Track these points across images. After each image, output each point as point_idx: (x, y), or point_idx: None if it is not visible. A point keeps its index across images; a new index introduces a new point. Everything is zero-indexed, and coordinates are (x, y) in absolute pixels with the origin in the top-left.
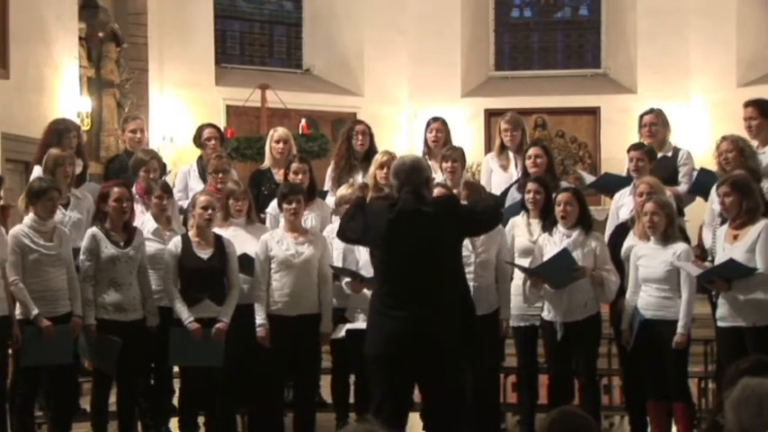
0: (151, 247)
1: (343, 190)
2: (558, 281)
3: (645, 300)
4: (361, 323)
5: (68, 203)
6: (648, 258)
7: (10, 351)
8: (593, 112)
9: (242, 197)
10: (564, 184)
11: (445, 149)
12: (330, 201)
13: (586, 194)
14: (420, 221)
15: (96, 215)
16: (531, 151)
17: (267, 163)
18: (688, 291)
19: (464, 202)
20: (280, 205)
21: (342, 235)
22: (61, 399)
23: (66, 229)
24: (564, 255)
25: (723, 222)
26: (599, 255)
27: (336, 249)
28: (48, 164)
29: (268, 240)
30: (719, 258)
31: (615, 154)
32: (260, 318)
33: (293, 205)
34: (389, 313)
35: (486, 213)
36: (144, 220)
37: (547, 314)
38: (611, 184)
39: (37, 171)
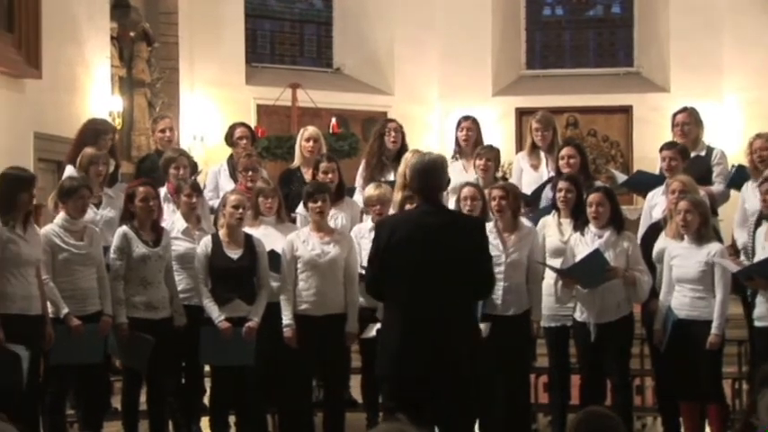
0: (181, 246)
1: (371, 190)
2: (591, 281)
3: (678, 300)
4: None
5: (100, 202)
6: (682, 258)
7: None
8: (626, 111)
9: (271, 195)
10: (598, 183)
11: (480, 148)
12: (359, 199)
13: (618, 194)
14: (432, 227)
15: (124, 215)
16: (565, 151)
17: (297, 162)
18: (722, 291)
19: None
20: (305, 205)
21: (369, 287)
22: (91, 398)
23: (99, 227)
24: (596, 255)
25: (759, 220)
26: (631, 255)
27: (366, 249)
28: (82, 162)
29: (294, 240)
30: (759, 257)
31: (648, 153)
32: (286, 318)
33: (318, 204)
34: (400, 329)
35: (491, 278)
36: (174, 219)
37: (579, 315)
38: (643, 183)
39: (69, 170)
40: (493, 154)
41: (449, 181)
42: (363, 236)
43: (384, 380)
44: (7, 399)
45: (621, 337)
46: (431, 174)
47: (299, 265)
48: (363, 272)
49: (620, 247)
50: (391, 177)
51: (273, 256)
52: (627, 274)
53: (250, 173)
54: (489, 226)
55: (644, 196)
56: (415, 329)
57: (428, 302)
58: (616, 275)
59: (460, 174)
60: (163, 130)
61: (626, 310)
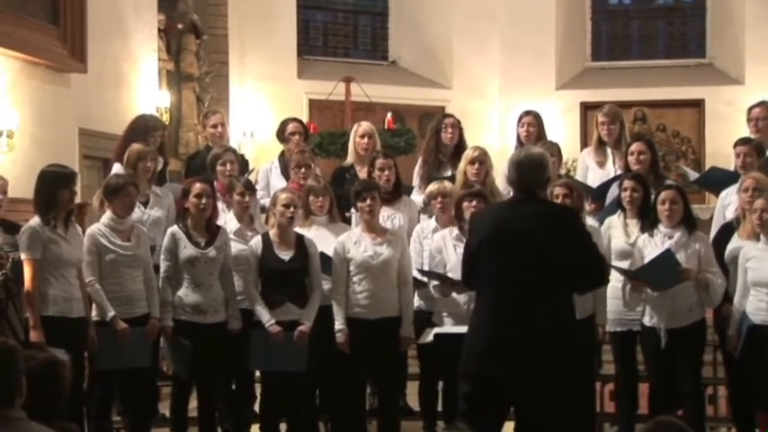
0: (233, 247)
1: (433, 186)
2: (662, 283)
3: (754, 304)
4: (449, 327)
5: (148, 201)
6: (758, 260)
7: (86, 354)
8: (698, 105)
9: (322, 193)
10: (669, 181)
11: (541, 144)
12: (416, 198)
13: (689, 192)
14: (529, 223)
15: (179, 213)
16: (635, 147)
17: (350, 159)
18: None
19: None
20: (354, 204)
21: (465, 279)
22: (138, 403)
23: (146, 227)
24: (667, 255)
25: None
26: (703, 256)
27: (427, 250)
28: (130, 158)
29: (345, 242)
30: None
31: (721, 149)
32: (339, 323)
33: (368, 203)
34: (489, 326)
35: (599, 263)
36: (226, 219)
37: (648, 320)
38: (717, 181)
39: (116, 168)
40: (555, 149)
41: (548, 179)
42: (426, 236)
43: (466, 378)
44: None
45: (693, 343)
46: (525, 167)
47: (351, 268)
48: (419, 276)
49: (691, 249)
50: (448, 174)
51: (323, 258)
52: (699, 276)
53: (303, 170)
54: None
55: (717, 195)
56: (505, 324)
57: (520, 295)
58: (688, 277)
59: None
60: (214, 126)
61: (698, 315)
